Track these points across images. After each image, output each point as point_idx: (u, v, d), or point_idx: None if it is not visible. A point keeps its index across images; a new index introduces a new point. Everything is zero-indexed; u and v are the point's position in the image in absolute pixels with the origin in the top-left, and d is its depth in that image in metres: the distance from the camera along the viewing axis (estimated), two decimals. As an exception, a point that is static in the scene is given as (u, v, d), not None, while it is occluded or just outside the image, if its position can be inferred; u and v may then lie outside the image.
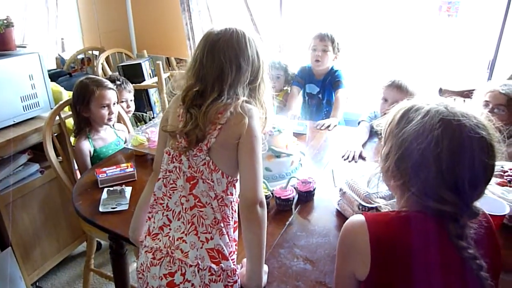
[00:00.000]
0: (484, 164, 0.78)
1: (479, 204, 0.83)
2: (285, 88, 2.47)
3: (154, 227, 1.07)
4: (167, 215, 1.05)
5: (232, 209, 1.05)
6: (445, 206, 0.78)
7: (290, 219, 1.30)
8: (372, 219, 0.83)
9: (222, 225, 1.02)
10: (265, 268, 1.05)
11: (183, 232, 1.02)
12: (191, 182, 1.02)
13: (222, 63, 0.99)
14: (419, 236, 0.79)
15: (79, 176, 1.90)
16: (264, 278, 1.03)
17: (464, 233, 0.79)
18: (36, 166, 1.99)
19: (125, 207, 1.38)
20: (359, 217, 0.84)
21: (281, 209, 1.34)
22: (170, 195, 1.05)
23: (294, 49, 2.87)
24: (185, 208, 1.02)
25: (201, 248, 1.00)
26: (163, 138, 1.12)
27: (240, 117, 0.99)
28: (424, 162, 0.78)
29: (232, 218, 1.05)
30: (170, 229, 1.04)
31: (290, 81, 2.44)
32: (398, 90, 1.87)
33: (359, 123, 2.02)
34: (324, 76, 2.35)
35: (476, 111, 0.82)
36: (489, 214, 1.07)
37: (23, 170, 1.94)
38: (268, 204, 1.33)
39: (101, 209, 1.37)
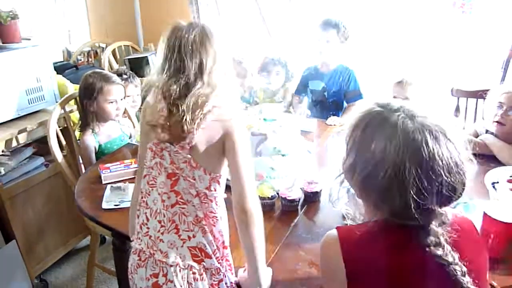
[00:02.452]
0: (453, 185, 0.76)
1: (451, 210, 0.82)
2: (286, 84, 2.39)
3: (137, 226, 1.08)
4: (145, 213, 1.05)
5: (216, 204, 1.03)
6: (415, 222, 0.75)
7: (295, 220, 1.27)
8: (345, 236, 0.80)
9: (204, 222, 1.01)
10: (269, 271, 1.03)
11: (159, 231, 1.01)
12: (173, 179, 1.02)
13: (201, 54, 1.01)
14: (392, 248, 0.77)
15: (83, 170, 1.88)
16: (268, 281, 1.01)
17: (439, 240, 0.76)
18: (41, 160, 1.99)
19: (128, 204, 1.35)
20: (333, 235, 0.81)
21: (286, 210, 1.31)
22: (149, 192, 1.05)
23: (302, 43, 2.82)
24: (166, 206, 1.01)
25: (182, 246, 1.00)
26: (146, 133, 1.10)
27: (225, 122, 1.00)
28: (392, 188, 0.74)
29: (217, 213, 1.04)
30: (148, 227, 1.04)
31: (290, 78, 2.37)
32: (399, 85, 1.84)
33: None
34: (331, 72, 2.25)
35: (446, 119, 0.78)
36: (503, 222, 1.04)
37: (27, 164, 1.93)
38: (273, 204, 1.32)
39: (104, 206, 1.35)
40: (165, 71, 1.03)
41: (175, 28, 1.04)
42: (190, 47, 1.01)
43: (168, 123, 1.00)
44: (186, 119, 0.97)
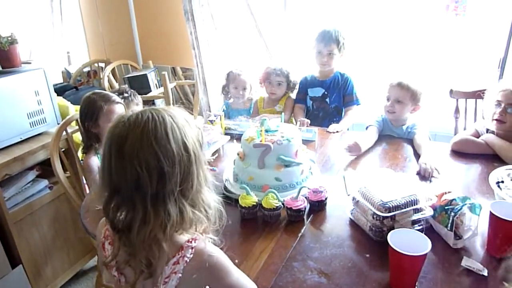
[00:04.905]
0: None
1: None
2: (288, 92, 2.41)
3: None
4: None
5: None
6: None
7: (302, 230, 1.26)
8: None
9: None
10: None
11: None
12: None
13: (137, 171, 0.74)
14: None
15: (88, 191, 1.89)
16: None
17: None
18: (44, 182, 1.99)
19: (134, 222, 1.36)
20: None
21: (292, 220, 1.31)
22: None
23: (299, 55, 2.85)
24: None
25: None
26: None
27: (204, 272, 0.83)
28: None
29: None
30: None
31: (292, 88, 2.39)
32: (399, 87, 1.86)
33: (367, 128, 1.99)
34: (329, 78, 2.29)
35: None
36: (511, 221, 1.03)
37: (31, 187, 1.94)
38: (279, 215, 1.32)
39: (110, 226, 1.34)
40: (104, 183, 0.80)
41: (114, 125, 0.78)
42: (120, 158, 0.75)
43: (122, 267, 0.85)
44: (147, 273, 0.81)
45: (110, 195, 0.80)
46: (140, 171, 0.74)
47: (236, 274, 0.89)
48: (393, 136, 1.94)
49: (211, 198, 0.88)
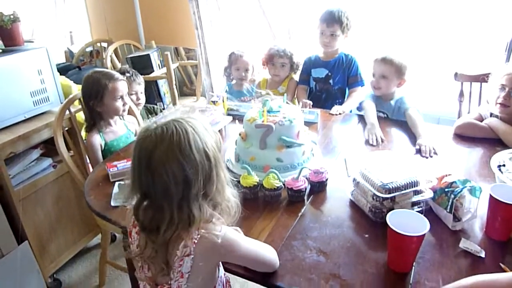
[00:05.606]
0: None
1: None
2: (291, 74, 2.40)
3: None
4: None
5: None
6: None
7: (302, 210, 1.28)
8: None
9: None
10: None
11: None
12: None
13: (165, 180, 0.83)
14: None
15: (91, 169, 1.90)
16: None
17: None
18: (48, 161, 2.01)
19: (137, 200, 1.38)
20: None
21: (293, 200, 1.32)
22: None
23: (304, 34, 2.81)
24: None
25: None
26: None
27: (214, 248, 0.88)
28: None
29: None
30: None
31: (295, 69, 2.38)
32: (383, 62, 1.88)
33: (361, 103, 2.00)
34: (333, 59, 2.27)
35: None
36: (511, 204, 1.04)
37: (35, 165, 1.95)
38: (280, 195, 1.33)
39: (112, 203, 1.36)
40: (135, 189, 0.89)
41: (141, 139, 0.86)
42: (149, 170, 0.83)
43: (146, 259, 0.92)
44: (164, 265, 0.90)
45: (140, 200, 0.89)
46: (167, 181, 0.83)
47: (247, 244, 0.96)
48: (392, 119, 1.94)
49: (230, 194, 0.96)
